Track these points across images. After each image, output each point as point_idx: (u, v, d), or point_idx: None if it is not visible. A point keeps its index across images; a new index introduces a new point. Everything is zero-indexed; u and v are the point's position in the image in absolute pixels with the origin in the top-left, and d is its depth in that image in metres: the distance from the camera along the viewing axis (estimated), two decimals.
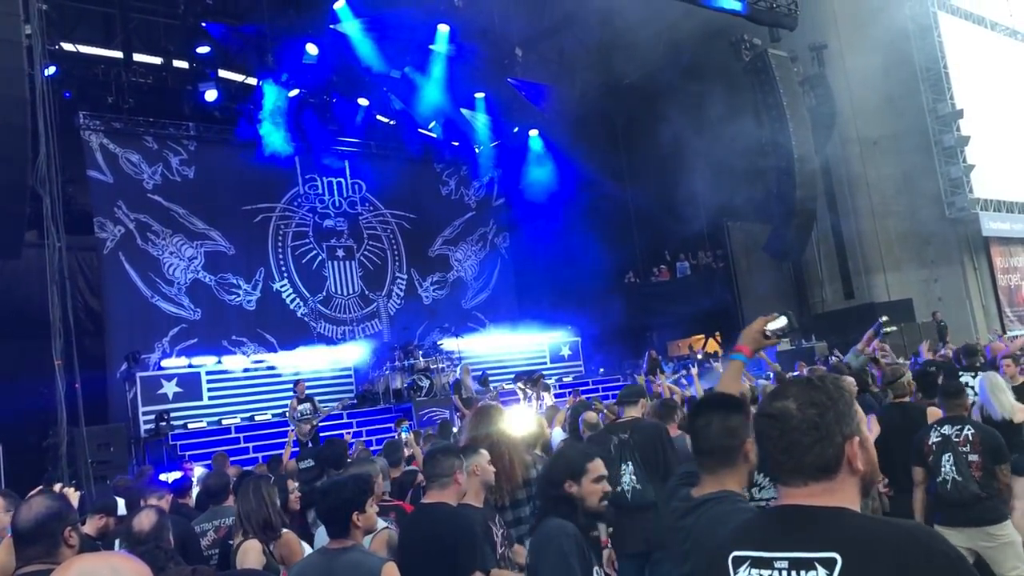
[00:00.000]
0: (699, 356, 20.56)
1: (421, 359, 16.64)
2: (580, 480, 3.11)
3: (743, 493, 2.52)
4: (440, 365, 16.82)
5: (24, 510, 2.89)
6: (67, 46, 17.68)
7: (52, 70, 14.69)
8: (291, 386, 14.89)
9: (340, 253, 19.93)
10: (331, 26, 18.36)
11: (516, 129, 22.75)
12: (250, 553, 4.18)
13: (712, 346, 22.99)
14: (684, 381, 12.83)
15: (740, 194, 20.66)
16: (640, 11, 19.42)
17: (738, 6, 16.96)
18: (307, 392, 14.17)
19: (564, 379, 19.93)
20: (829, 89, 20.94)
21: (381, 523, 4.24)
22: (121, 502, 5.46)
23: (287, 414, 14.11)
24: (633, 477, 5.57)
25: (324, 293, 19.41)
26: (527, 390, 14.81)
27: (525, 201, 23.98)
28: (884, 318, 10.01)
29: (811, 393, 1.69)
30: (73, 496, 3.24)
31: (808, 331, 19.47)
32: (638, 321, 23.32)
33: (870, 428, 1.88)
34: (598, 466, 3.18)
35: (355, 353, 17.86)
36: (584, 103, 23.69)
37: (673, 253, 23.14)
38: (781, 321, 2.89)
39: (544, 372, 17.88)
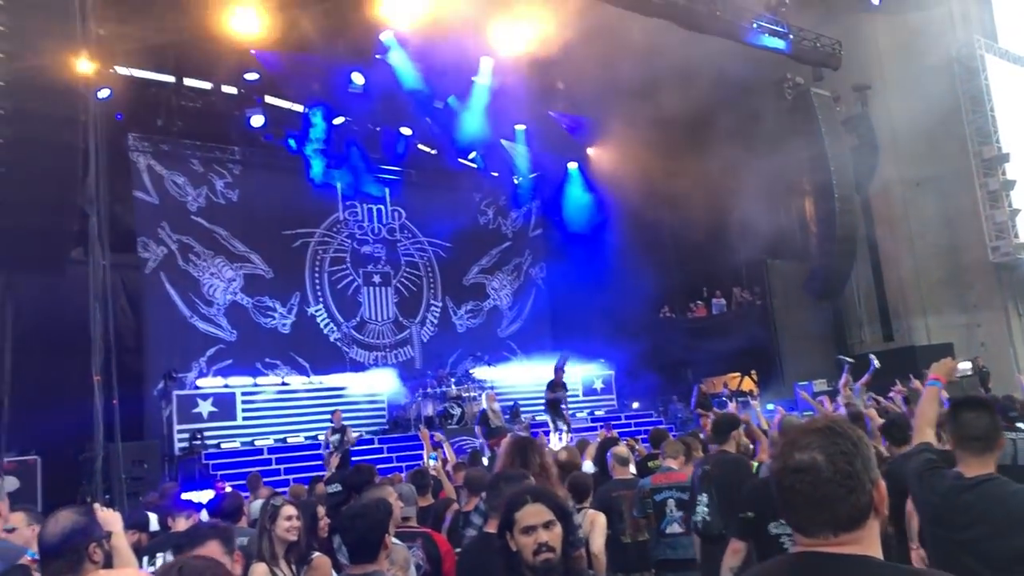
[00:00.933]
0: (726, 394, 20.29)
1: (453, 387, 16.68)
2: (512, 531, 2.80)
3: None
4: (472, 394, 16.83)
5: (51, 525, 2.93)
6: (121, 70, 18.14)
7: (105, 92, 15.14)
8: (323, 409, 14.99)
9: (376, 279, 20.09)
10: (377, 56, 18.66)
11: (557, 162, 22.83)
12: None
13: (748, 384, 22.71)
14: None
15: (780, 232, 20.54)
16: (683, 48, 19.49)
17: (782, 45, 16.97)
18: (342, 423, 14.18)
19: (596, 412, 19.84)
20: (872, 129, 20.80)
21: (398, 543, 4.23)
22: (154, 518, 5.51)
23: (324, 442, 14.16)
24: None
25: (358, 319, 19.56)
26: (558, 423, 14.80)
27: (562, 232, 24.05)
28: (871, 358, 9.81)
29: (836, 442, 1.64)
30: (113, 516, 3.28)
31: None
32: (672, 357, 23.10)
33: None
34: (526, 514, 2.80)
35: (387, 379, 17.92)
36: (624, 137, 23.73)
37: (710, 289, 22.98)
38: (967, 364, 3.63)
39: (575, 404, 17.86)
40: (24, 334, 14.85)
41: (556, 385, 15.51)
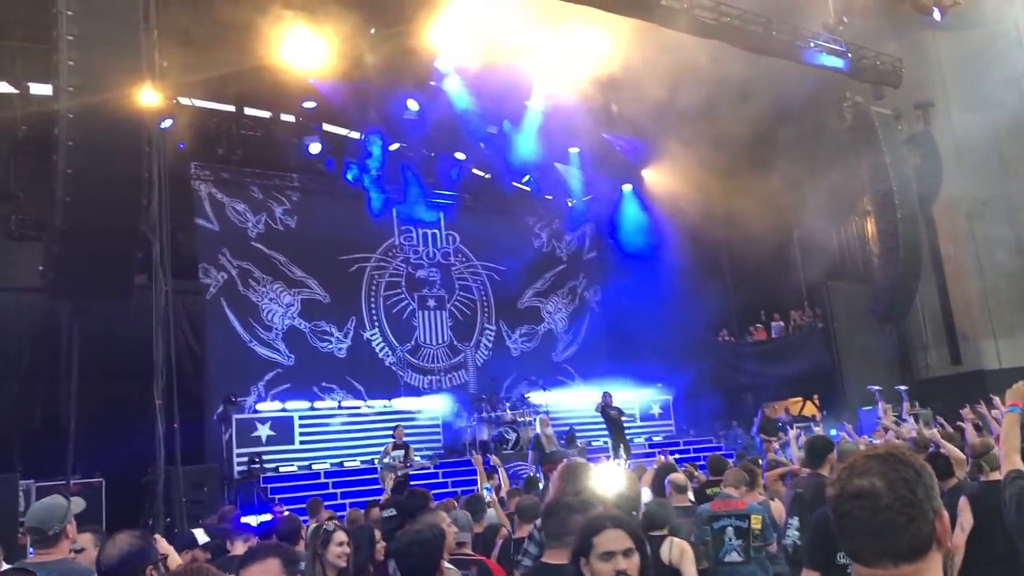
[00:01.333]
0: (784, 419, 19.85)
1: (508, 412, 16.62)
2: (588, 556, 2.72)
3: None
4: (527, 418, 16.75)
5: (109, 547, 2.99)
6: (183, 100, 18.64)
7: (168, 123, 15.56)
8: (378, 433, 15.03)
9: (431, 303, 20.20)
10: (432, 83, 18.87)
11: (611, 184, 22.76)
12: None
13: (810, 409, 22.20)
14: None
15: (841, 253, 20.14)
16: (739, 68, 19.34)
17: (840, 64, 16.69)
18: (404, 440, 14.20)
19: (654, 438, 19.58)
20: (935, 147, 20.28)
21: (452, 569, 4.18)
22: (199, 532, 5.55)
23: (379, 458, 14.19)
24: (796, 532, 5.57)
25: (413, 342, 19.67)
26: (620, 448, 14.73)
27: (617, 255, 23.94)
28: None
29: (897, 468, 1.59)
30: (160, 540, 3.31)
31: (912, 398, 18.65)
32: (731, 381, 22.75)
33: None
34: (606, 539, 2.74)
35: (441, 403, 17.94)
36: (680, 158, 23.57)
37: (769, 312, 22.57)
38: None
39: (633, 430, 17.67)
40: (89, 359, 15.27)
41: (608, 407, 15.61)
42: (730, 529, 6.08)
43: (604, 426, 17.08)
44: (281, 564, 2.88)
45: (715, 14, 14.81)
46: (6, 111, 16.37)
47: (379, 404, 17.44)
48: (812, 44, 16.13)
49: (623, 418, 16.01)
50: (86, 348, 14.82)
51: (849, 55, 16.62)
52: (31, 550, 8.82)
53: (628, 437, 16.34)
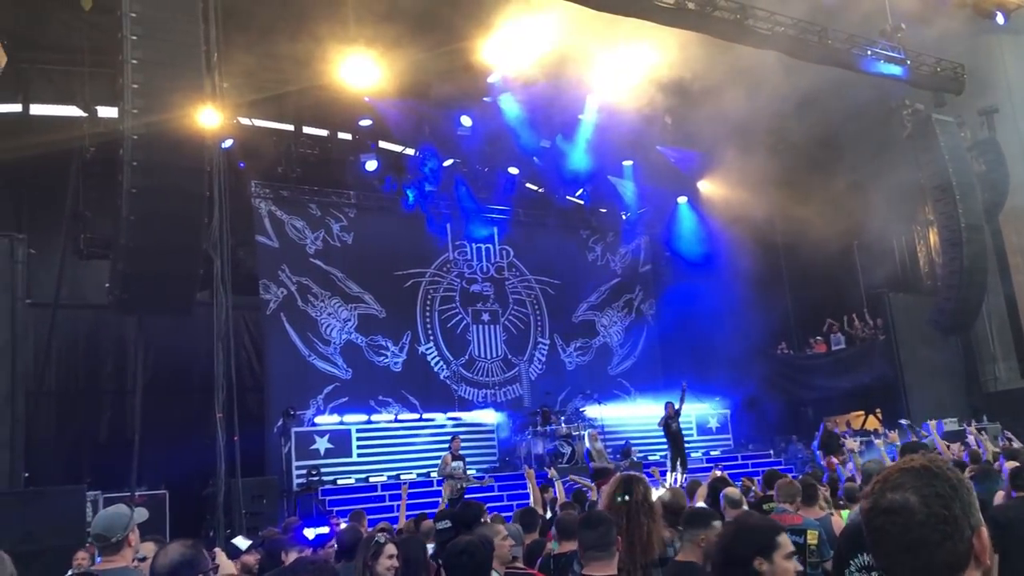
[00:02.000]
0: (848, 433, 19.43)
1: (563, 425, 16.57)
2: (771, 556, 2.66)
3: None
4: (582, 432, 16.68)
5: (161, 556, 3.09)
6: (243, 120, 19.11)
7: (229, 142, 15.98)
8: (433, 446, 15.12)
9: (485, 317, 20.29)
10: (485, 99, 19.04)
11: (665, 196, 22.63)
12: None
13: (872, 423, 21.71)
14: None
15: (903, 264, 19.72)
16: (795, 77, 19.11)
17: (899, 71, 16.40)
18: (460, 450, 14.29)
19: (711, 452, 19.35)
20: (1001, 155, 19.75)
21: None
22: (238, 539, 5.65)
23: (438, 470, 14.27)
24: None
25: (467, 356, 19.76)
26: (677, 462, 14.64)
27: (674, 267, 23.79)
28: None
29: (933, 482, 1.53)
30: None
31: (979, 411, 18.14)
32: (791, 395, 22.39)
33: None
34: (787, 540, 2.78)
35: (496, 417, 18.00)
36: (736, 170, 23.36)
37: (829, 324, 22.16)
38: None
39: (690, 444, 17.49)
40: (154, 374, 15.71)
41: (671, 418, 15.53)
42: None
43: (662, 440, 16.96)
44: None
45: (769, 24, 14.68)
46: (75, 133, 16.96)
47: (434, 418, 17.54)
48: (869, 52, 15.88)
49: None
50: (151, 363, 15.28)
51: (908, 62, 16.32)
52: (99, 558, 9.10)
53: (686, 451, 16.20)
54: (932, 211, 19.18)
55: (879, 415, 21.46)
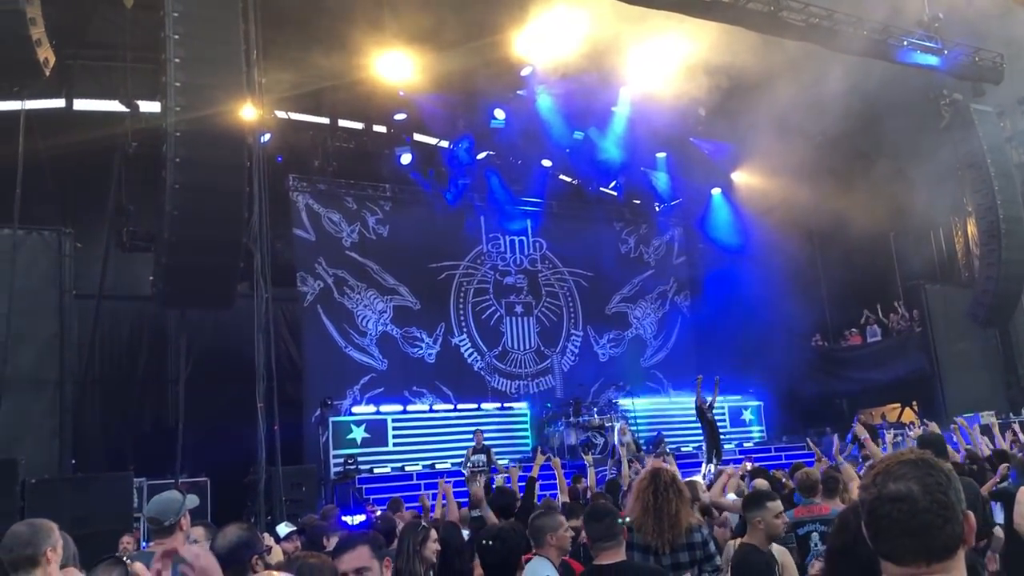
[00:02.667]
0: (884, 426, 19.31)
1: (596, 417, 16.69)
2: None
3: None
4: (615, 424, 16.79)
5: (220, 537, 3.30)
6: (280, 114, 19.39)
7: (267, 137, 16.24)
8: (467, 436, 15.34)
9: (518, 309, 20.44)
10: (519, 92, 19.14)
11: (699, 188, 22.57)
12: None
13: (909, 416, 21.55)
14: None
15: (940, 255, 19.55)
16: (831, 68, 18.96)
17: (935, 61, 16.22)
18: (484, 443, 14.51)
19: (745, 444, 19.35)
20: None
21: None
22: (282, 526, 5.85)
23: (463, 463, 14.52)
24: None
25: (500, 348, 19.92)
26: (714, 460, 14.71)
27: (707, 260, 23.74)
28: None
29: (930, 473, 1.68)
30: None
31: (1017, 405, 17.96)
32: (826, 387, 22.30)
33: None
34: None
35: (529, 408, 18.17)
36: (770, 161, 23.23)
37: (865, 316, 22.02)
38: None
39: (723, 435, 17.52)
40: (196, 364, 16.04)
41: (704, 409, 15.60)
42: (815, 535, 6.06)
43: (695, 432, 17.09)
44: (370, 550, 3.14)
45: (803, 16, 14.61)
46: (117, 128, 17.34)
47: (468, 408, 17.75)
48: (906, 42, 15.73)
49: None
50: (193, 353, 15.62)
51: (946, 52, 16.13)
52: (144, 544, 9.41)
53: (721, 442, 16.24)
54: (970, 202, 18.99)
55: (915, 407, 21.31)
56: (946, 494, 1.66)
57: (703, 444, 15.84)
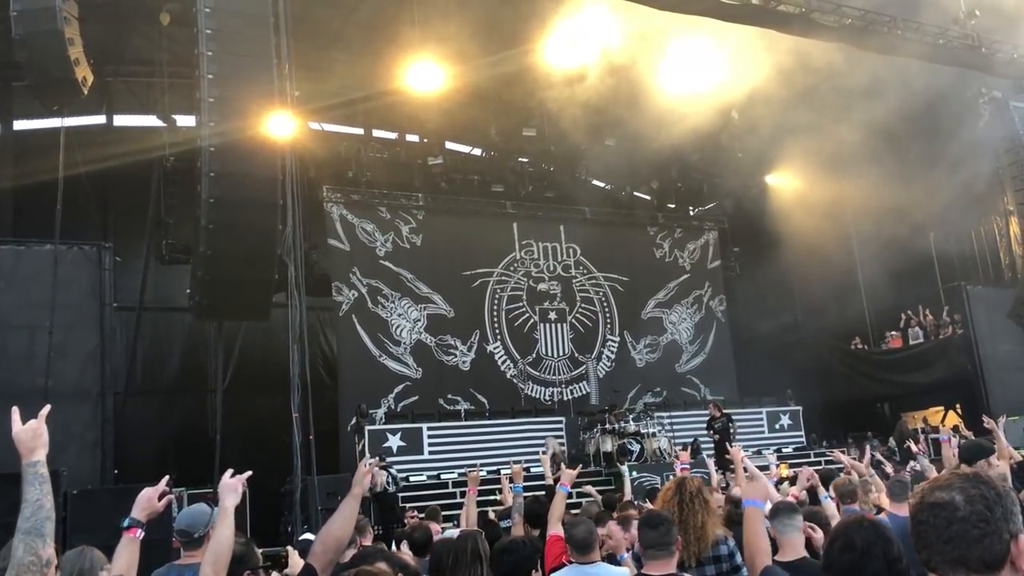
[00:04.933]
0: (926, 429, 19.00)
1: (632, 423, 16.60)
2: None
3: None
4: (651, 430, 16.69)
5: None
6: (313, 125, 19.60)
7: (301, 149, 16.41)
8: (502, 444, 15.32)
9: (552, 316, 20.41)
10: (549, 97, 19.11)
11: (734, 191, 22.36)
12: None
13: (952, 419, 21.15)
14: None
15: (981, 255, 19.19)
16: (869, 67, 18.73)
17: (972, 59, 15.95)
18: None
19: (783, 450, 19.11)
20: None
21: None
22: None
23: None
24: None
25: (534, 355, 19.90)
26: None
27: (743, 263, 23.54)
28: None
29: (979, 487, 1.68)
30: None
31: None
32: (866, 391, 21.98)
33: None
34: None
35: (563, 415, 18.11)
36: (807, 163, 22.98)
37: (906, 319, 21.67)
38: None
39: (761, 441, 17.37)
40: (234, 374, 16.27)
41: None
42: None
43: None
44: (388, 566, 3.17)
45: (835, 16, 14.44)
46: (155, 143, 17.67)
47: (502, 415, 17.74)
48: (941, 41, 15.47)
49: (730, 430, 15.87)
50: (230, 363, 15.84)
51: (983, 49, 15.84)
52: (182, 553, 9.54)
53: (752, 449, 16.13)
54: (1012, 201, 18.61)
55: (959, 410, 20.92)
56: (990, 509, 1.65)
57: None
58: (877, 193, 19.95)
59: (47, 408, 2.70)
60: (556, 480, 11.48)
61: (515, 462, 10.30)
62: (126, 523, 3.47)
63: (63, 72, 10.69)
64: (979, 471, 1.80)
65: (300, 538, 7.22)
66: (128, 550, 3.43)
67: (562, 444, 16.05)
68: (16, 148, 18.14)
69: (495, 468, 15.97)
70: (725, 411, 16.24)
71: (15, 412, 2.64)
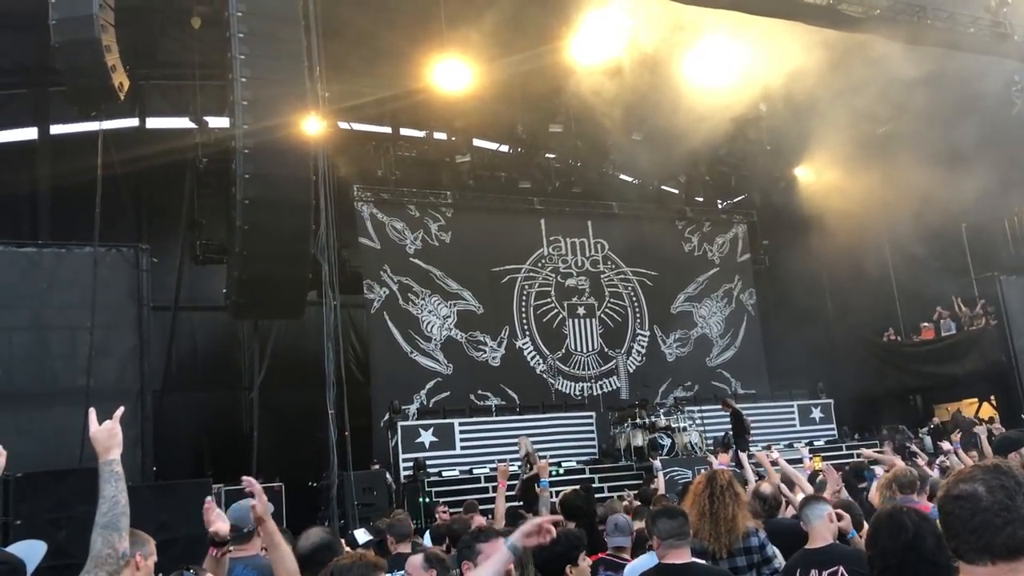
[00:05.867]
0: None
1: (663, 417, 16.63)
2: None
3: None
4: (682, 424, 16.71)
5: (303, 539, 3.56)
6: (343, 125, 19.79)
7: (332, 149, 16.59)
8: (532, 438, 15.41)
9: (581, 311, 20.47)
10: (573, 94, 19.15)
11: (761, 184, 22.26)
12: None
13: (987, 411, 20.96)
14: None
15: (1015, 245, 18.98)
16: (897, 56, 18.57)
17: (1004, 47, 15.77)
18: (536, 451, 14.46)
19: (815, 443, 19.04)
20: None
21: None
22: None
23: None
24: None
25: (563, 350, 19.97)
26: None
27: (772, 256, 23.45)
28: None
29: (1000, 477, 1.76)
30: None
31: None
32: (898, 383, 21.81)
33: None
34: None
35: (594, 409, 18.17)
36: (836, 154, 22.83)
37: (938, 311, 21.47)
38: None
39: (792, 434, 17.33)
40: (268, 371, 16.51)
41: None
42: None
43: (760, 433, 17.05)
44: (424, 560, 3.30)
45: (863, 7, 14.34)
46: (188, 144, 17.93)
47: (533, 410, 17.83)
48: (972, 29, 15.32)
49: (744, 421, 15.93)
50: (265, 361, 16.07)
51: (1015, 37, 15.66)
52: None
53: (787, 443, 16.11)
54: None
55: (994, 402, 20.73)
56: (1011, 498, 1.73)
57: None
58: (907, 183, 19.78)
59: (121, 410, 2.83)
60: (530, 479, 11.69)
61: (500, 461, 10.43)
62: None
63: (101, 79, 10.89)
64: (1000, 462, 1.85)
65: (356, 533, 7.35)
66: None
67: (534, 443, 16.17)
68: (53, 151, 18.50)
69: (551, 459, 16.11)
70: (736, 406, 16.26)
71: (92, 413, 2.77)
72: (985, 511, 1.73)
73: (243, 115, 11.34)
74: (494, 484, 15.52)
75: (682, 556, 3.95)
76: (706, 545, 4.45)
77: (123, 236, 16.63)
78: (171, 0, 18.39)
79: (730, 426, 16.33)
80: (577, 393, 19.64)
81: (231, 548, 4.38)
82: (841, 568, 3.98)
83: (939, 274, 20.01)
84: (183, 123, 19.10)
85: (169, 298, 17.66)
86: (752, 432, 16.08)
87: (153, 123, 20.89)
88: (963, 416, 19.31)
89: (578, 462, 16.62)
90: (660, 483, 9.59)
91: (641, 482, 13.24)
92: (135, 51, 19.19)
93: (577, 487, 7.96)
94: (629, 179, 22.53)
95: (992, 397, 20.80)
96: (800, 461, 9.89)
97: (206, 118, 18.09)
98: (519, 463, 13.89)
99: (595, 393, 19.69)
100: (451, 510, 12.14)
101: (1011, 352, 19.01)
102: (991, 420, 18.75)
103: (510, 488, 12.66)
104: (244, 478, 3.68)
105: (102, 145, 12.73)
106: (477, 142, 20.94)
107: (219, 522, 3.68)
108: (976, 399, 21.26)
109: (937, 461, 9.77)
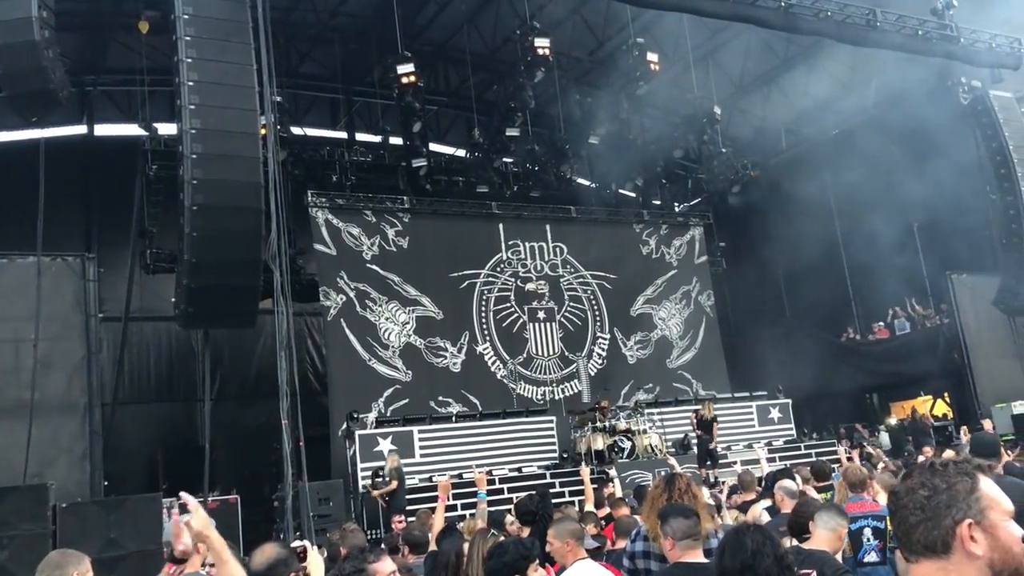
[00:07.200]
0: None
1: (623, 420, 16.60)
2: None
3: None
4: (642, 427, 16.70)
5: (258, 555, 3.46)
6: (296, 130, 19.55)
7: (284, 154, 16.36)
8: (496, 445, 15.31)
9: (541, 315, 20.38)
10: (532, 97, 19.13)
11: (719, 186, 22.40)
12: None
13: (941, 408, 21.30)
14: None
15: (963, 244, 19.30)
16: (849, 59, 18.85)
17: (951, 50, 16.02)
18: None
19: (774, 443, 19.15)
20: None
21: None
22: None
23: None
24: None
25: (524, 355, 19.87)
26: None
27: (730, 258, 23.63)
28: None
29: (930, 476, 1.76)
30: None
31: None
32: (854, 381, 22.07)
33: None
34: None
35: (555, 414, 18.10)
36: (788, 155, 23.14)
37: (892, 310, 21.78)
38: None
39: (752, 434, 17.43)
40: (223, 382, 16.24)
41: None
42: (868, 530, 6.01)
43: (724, 432, 17.20)
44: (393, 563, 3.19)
45: (813, 11, 14.47)
46: (137, 152, 17.60)
47: (494, 416, 17.70)
48: (920, 32, 15.54)
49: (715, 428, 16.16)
50: (219, 371, 15.78)
51: (961, 40, 15.92)
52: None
53: (746, 444, 16.19)
54: (994, 189, 18.73)
55: (947, 399, 21.07)
56: (930, 498, 1.73)
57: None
58: (861, 184, 20.07)
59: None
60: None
61: (478, 467, 10.34)
62: None
63: (41, 83, 10.58)
64: (937, 461, 1.83)
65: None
66: None
67: (497, 447, 16.19)
68: None
69: (488, 469, 15.98)
70: (709, 417, 16.55)
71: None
72: (903, 509, 1.76)
73: (190, 119, 11.08)
74: (455, 492, 15.42)
75: (697, 556, 3.89)
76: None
77: (73, 246, 16.26)
78: (119, 5, 18.08)
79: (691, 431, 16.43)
80: (539, 397, 19.53)
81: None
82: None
83: (893, 274, 20.29)
84: (133, 130, 18.74)
85: (120, 309, 17.26)
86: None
87: (101, 130, 20.49)
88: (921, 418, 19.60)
89: (539, 467, 16.51)
90: (617, 487, 9.55)
91: (598, 487, 13.17)
92: (82, 57, 18.85)
93: (532, 492, 7.82)
94: (586, 183, 22.56)
95: (946, 394, 21.14)
96: (757, 462, 9.89)
97: (156, 124, 17.75)
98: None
99: (557, 397, 19.61)
100: (408, 519, 12.00)
101: (963, 350, 19.32)
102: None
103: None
104: (181, 493, 3.50)
105: (47, 153, 12.36)
106: (434, 146, 20.81)
107: (188, 540, 3.54)
108: (931, 396, 21.59)
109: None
